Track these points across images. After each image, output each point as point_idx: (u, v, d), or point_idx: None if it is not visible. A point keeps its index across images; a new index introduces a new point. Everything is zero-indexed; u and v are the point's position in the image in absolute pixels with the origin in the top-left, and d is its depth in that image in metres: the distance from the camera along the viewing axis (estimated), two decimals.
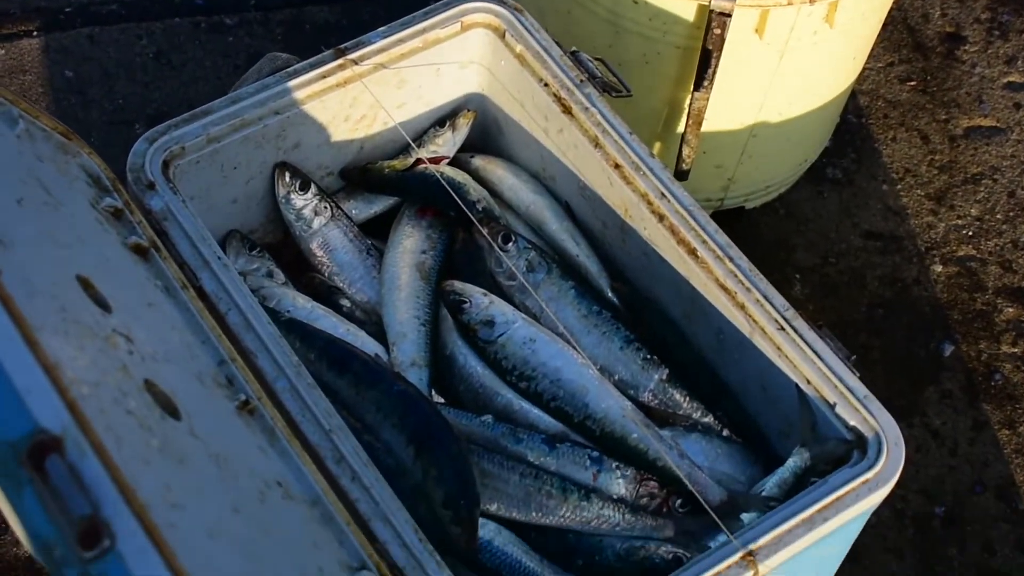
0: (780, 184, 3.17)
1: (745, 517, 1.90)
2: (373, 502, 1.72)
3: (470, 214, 2.17)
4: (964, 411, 2.90)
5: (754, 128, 2.84)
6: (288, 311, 2.16)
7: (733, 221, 3.16)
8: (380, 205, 2.42)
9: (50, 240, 1.59)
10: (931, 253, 3.15)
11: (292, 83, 2.18)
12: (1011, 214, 3.23)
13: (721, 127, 2.82)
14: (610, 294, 2.23)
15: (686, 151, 2.71)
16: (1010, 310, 3.06)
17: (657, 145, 2.88)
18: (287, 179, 2.28)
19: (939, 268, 3.12)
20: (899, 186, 3.26)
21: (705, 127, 2.71)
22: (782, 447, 2.03)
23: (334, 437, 1.77)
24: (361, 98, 2.27)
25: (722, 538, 1.78)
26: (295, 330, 2.07)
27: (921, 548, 2.69)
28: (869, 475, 1.79)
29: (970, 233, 3.19)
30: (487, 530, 1.93)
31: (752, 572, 1.70)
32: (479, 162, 2.41)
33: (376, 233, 2.39)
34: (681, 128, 2.69)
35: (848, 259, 3.14)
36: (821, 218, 3.21)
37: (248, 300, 1.90)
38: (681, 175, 2.85)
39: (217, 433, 1.55)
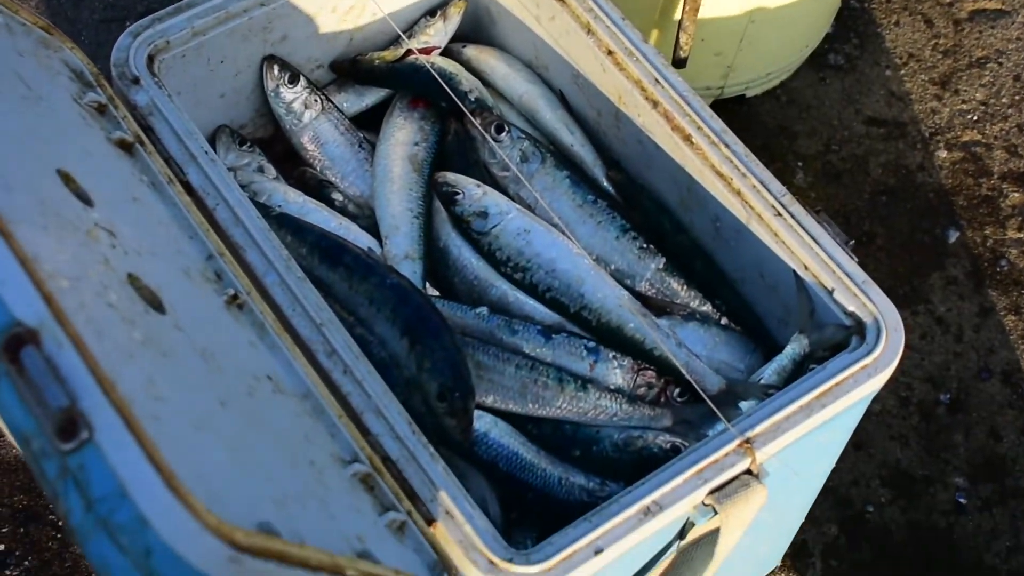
0: (781, 71, 3.13)
1: (743, 405, 1.90)
2: (365, 395, 1.71)
3: (462, 105, 2.14)
4: (969, 297, 2.88)
5: (753, 14, 2.80)
6: (279, 206, 2.14)
7: (734, 109, 3.13)
8: (371, 98, 2.39)
9: (30, 134, 1.57)
10: (935, 139, 3.12)
11: None
12: (1017, 98, 3.19)
13: (719, 13, 2.78)
14: (605, 183, 2.21)
15: (683, 39, 2.67)
16: (1016, 195, 3.03)
17: (654, 33, 2.84)
18: (275, 72, 2.25)
19: (943, 154, 3.09)
20: (902, 71, 3.22)
21: (702, 14, 2.67)
22: (781, 334, 2.02)
23: (325, 331, 1.76)
24: None
25: (720, 426, 1.77)
26: (286, 224, 2.05)
27: (926, 435, 2.69)
28: (868, 360, 1.78)
29: (975, 118, 3.16)
30: (483, 422, 1.93)
31: (749, 460, 1.70)
32: (471, 52, 2.38)
33: (368, 126, 2.37)
34: (678, 15, 2.65)
35: (851, 146, 3.11)
36: (823, 105, 3.17)
37: (236, 194, 1.88)
38: (679, 63, 2.81)
39: (204, 327, 1.54)
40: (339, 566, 1.24)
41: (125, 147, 1.84)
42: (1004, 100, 3.19)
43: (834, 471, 2.52)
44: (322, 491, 1.46)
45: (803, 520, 2.29)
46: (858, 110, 3.17)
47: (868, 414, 2.61)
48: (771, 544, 2.31)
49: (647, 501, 1.66)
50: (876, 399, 2.67)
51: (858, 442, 2.65)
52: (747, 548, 2.10)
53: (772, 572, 2.49)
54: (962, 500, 2.60)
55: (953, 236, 2.96)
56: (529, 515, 1.96)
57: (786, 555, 2.49)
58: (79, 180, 1.54)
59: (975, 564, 2.52)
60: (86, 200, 1.51)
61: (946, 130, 3.13)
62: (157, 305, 1.45)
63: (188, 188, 1.88)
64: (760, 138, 3.09)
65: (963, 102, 3.19)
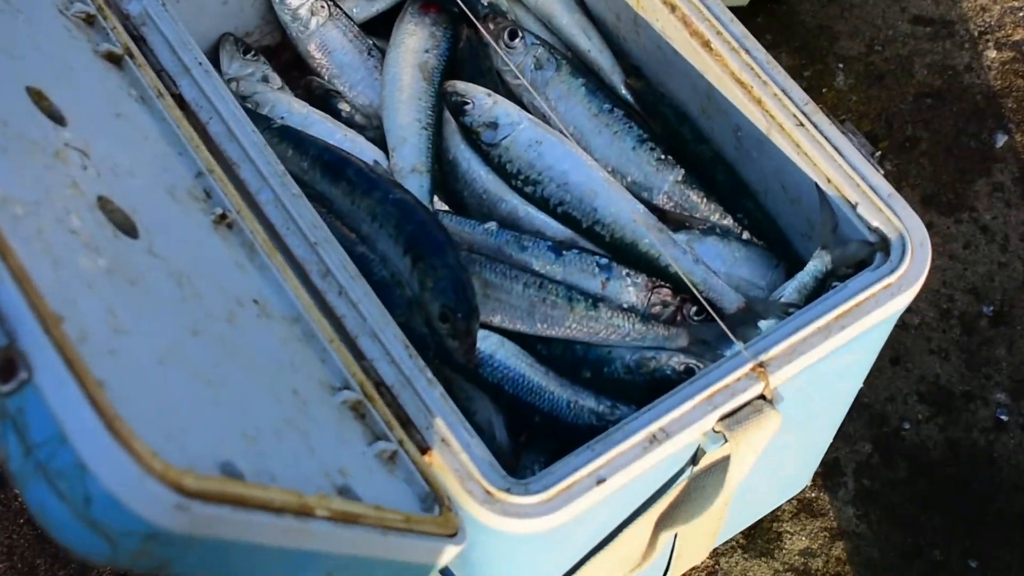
0: None
1: (763, 325, 1.83)
2: (360, 318, 1.66)
3: (467, 11, 2.07)
4: (1017, 204, 2.78)
5: None
6: (282, 117, 2.09)
7: (772, 9, 3.02)
8: (382, 2, 2.33)
9: (1, 51, 1.51)
10: (984, 38, 3.00)
11: None
12: None
13: None
14: (624, 91, 2.13)
15: None
16: None
17: None
18: None
19: (993, 53, 2.97)
20: None
21: None
22: (805, 249, 1.95)
23: (320, 250, 1.71)
24: None
25: (737, 348, 1.71)
26: (288, 137, 2.00)
27: (968, 349, 2.60)
28: (891, 279, 1.70)
29: None
30: (489, 343, 1.87)
31: (763, 384, 1.63)
32: None
33: (379, 32, 2.30)
34: None
35: (895, 46, 2.99)
36: (867, 3, 3.06)
37: (231, 108, 1.82)
38: None
39: (184, 251, 1.49)
40: (307, 506, 1.19)
41: (113, 60, 1.78)
42: None
43: (869, 387, 2.46)
44: (304, 422, 1.41)
45: (831, 440, 2.23)
46: (904, 8, 3.05)
47: (906, 327, 2.53)
48: (798, 464, 2.25)
49: (653, 428, 1.60)
50: (915, 312, 2.60)
51: (895, 357, 2.57)
52: (771, 469, 2.05)
53: (803, 491, 2.43)
54: (1003, 417, 2.52)
55: (1001, 140, 2.85)
56: (539, 438, 1.91)
57: (817, 474, 2.43)
58: (52, 97, 1.48)
59: (1015, 483, 2.45)
60: (58, 119, 1.45)
61: (996, 28, 3.01)
62: (129, 229, 1.40)
63: (180, 102, 1.82)
64: (799, 39, 2.99)
65: None
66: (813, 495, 2.44)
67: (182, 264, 1.44)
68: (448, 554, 1.45)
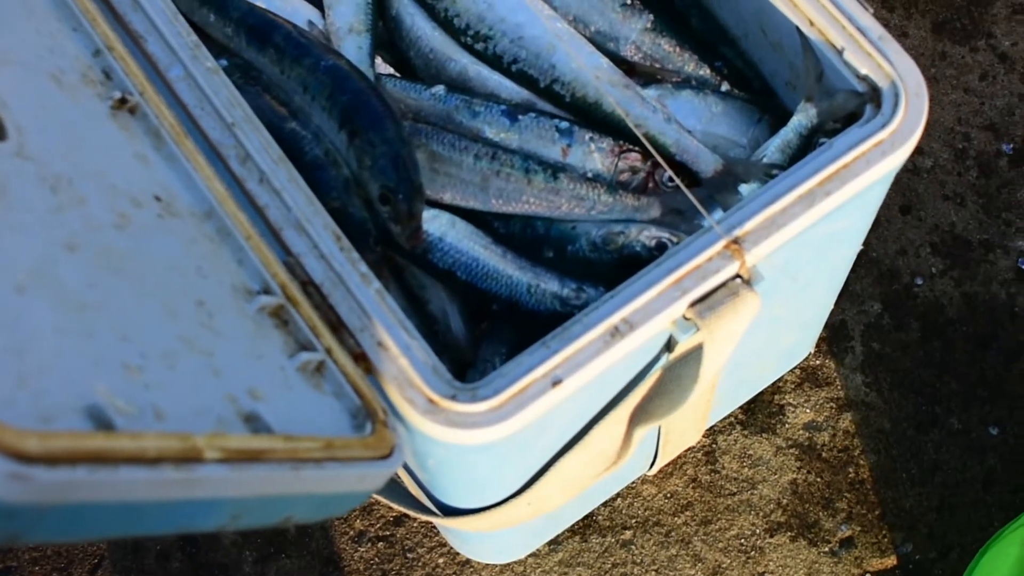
0: None
1: (744, 189, 1.70)
2: (285, 207, 1.53)
3: None
4: None
5: None
6: None
7: None
8: None
9: None
10: None
11: None
12: None
13: None
14: None
15: None
16: None
17: None
18: None
19: None
20: None
21: None
22: (790, 100, 1.81)
23: (238, 131, 1.57)
24: None
25: (716, 216, 1.57)
26: (209, 0, 1.84)
27: (986, 193, 2.46)
28: (883, 134, 1.55)
29: None
30: (438, 223, 1.74)
31: (739, 263, 1.50)
32: None
33: None
34: None
35: None
36: None
37: None
38: None
39: (66, 148, 1.35)
40: (194, 450, 1.08)
41: None
42: None
43: (877, 240, 2.33)
44: (209, 339, 1.29)
45: (832, 306, 2.10)
46: None
47: (917, 172, 2.39)
48: (796, 335, 2.12)
49: (615, 319, 1.47)
50: (927, 154, 2.45)
51: (906, 205, 2.43)
52: (764, 344, 1.94)
53: (807, 359, 2.31)
54: None
55: None
56: (501, 326, 1.79)
57: (821, 339, 2.31)
58: None
59: None
60: None
61: None
62: None
63: None
64: None
65: None
66: (818, 362, 2.32)
67: (61, 165, 1.31)
68: (380, 478, 1.34)
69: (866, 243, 2.38)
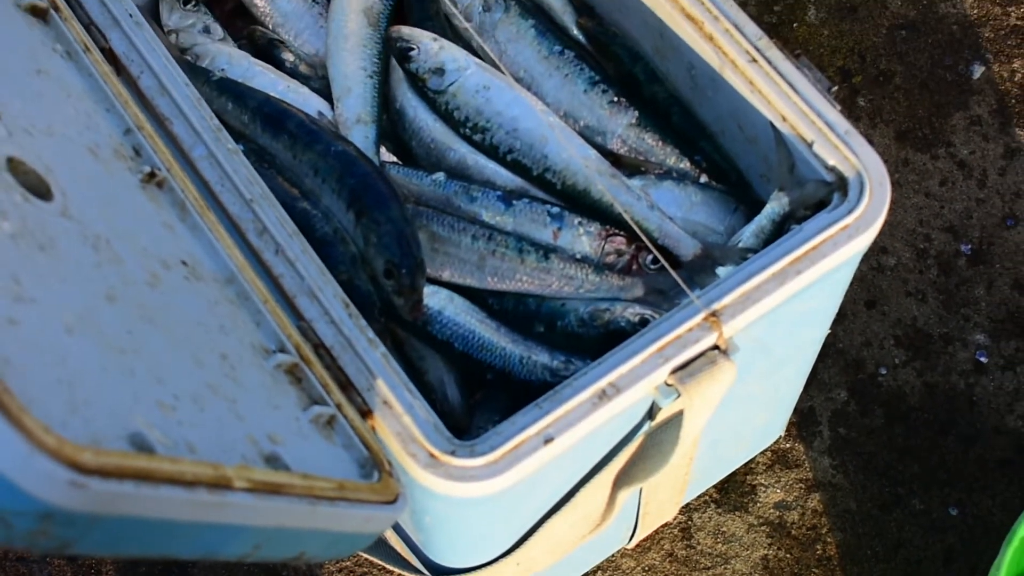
0: None
1: (721, 271, 1.80)
2: (298, 276, 1.63)
3: None
4: (995, 138, 2.74)
5: None
6: (222, 69, 2.04)
7: None
8: None
9: None
10: None
11: None
12: None
13: None
14: (575, 31, 2.09)
15: None
16: None
17: None
18: None
19: None
20: None
21: None
22: (764, 191, 1.91)
23: (256, 207, 1.67)
24: None
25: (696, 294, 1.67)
26: (228, 90, 1.96)
27: (946, 290, 2.57)
28: (849, 219, 1.66)
29: None
30: (438, 299, 1.84)
31: (716, 334, 1.60)
32: None
33: None
34: None
35: None
36: None
37: (163, 61, 1.78)
38: None
39: (104, 213, 1.45)
40: (224, 478, 1.16)
41: (38, 14, 1.74)
42: None
43: (844, 332, 2.43)
44: (232, 388, 1.38)
45: (802, 389, 2.20)
46: None
47: (881, 269, 2.50)
48: (769, 415, 2.22)
49: (602, 384, 1.56)
50: (891, 252, 2.57)
51: (871, 300, 2.54)
52: (740, 421, 2.02)
53: (777, 442, 2.40)
54: (983, 359, 2.49)
55: (978, 72, 2.81)
56: (494, 395, 1.88)
57: (791, 423, 2.41)
58: None
59: (996, 427, 2.42)
60: None
61: None
62: (43, 191, 1.36)
63: (110, 56, 1.79)
64: None
65: None
66: (788, 446, 2.42)
67: (101, 227, 1.40)
68: (385, 522, 1.42)
69: (833, 335, 2.48)
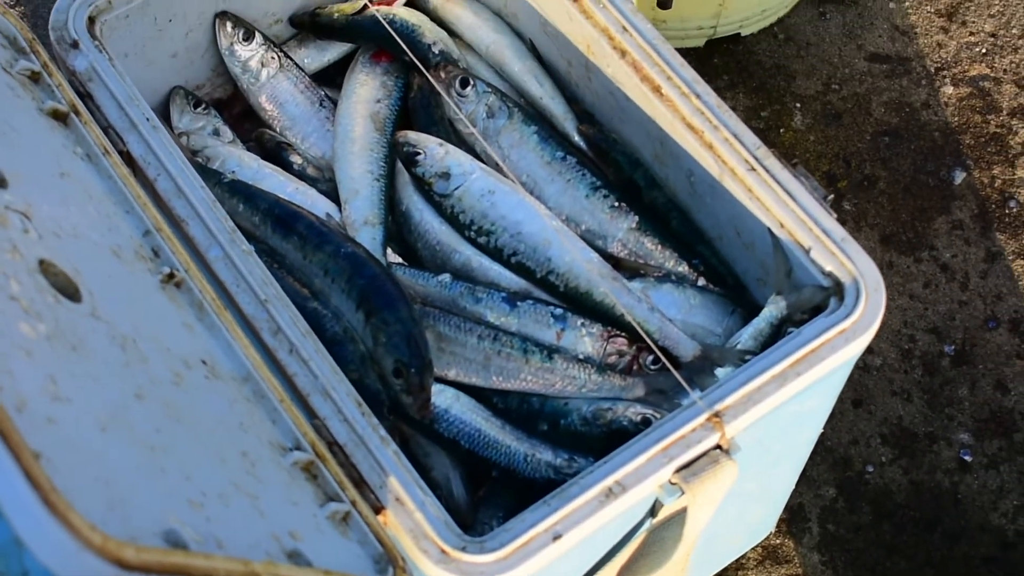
0: (778, 7, 3.04)
1: (719, 372, 1.83)
2: (312, 375, 1.66)
3: (416, 60, 2.06)
4: (976, 242, 2.80)
5: None
6: (232, 171, 2.08)
7: (729, 49, 3.04)
8: (334, 52, 2.32)
9: None
10: (941, 74, 3.02)
11: None
12: None
13: None
14: (577, 138, 2.14)
15: None
16: None
17: None
18: (229, 29, 2.19)
19: (950, 90, 3.00)
20: (907, 3, 3.13)
21: None
22: (761, 295, 1.96)
23: (270, 307, 1.71)
24: None
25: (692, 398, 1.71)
26: (238, 192, 2.00)
27: (930, 390, 2.61)
28: (846, 324, 1.70)
29: (983, 51, 3.06)
30: (444, 397, 1.87)
31: (719, 434, 1.63)
32: (437, 1, 2.29)
33: (331, 83, 2.30)
34: None
35: (852, 84, 3.01)
36: (823, 42, 3.08)
37: (179, 164, 1.82)
38: (664, 3, 2.74)
39: (129, 313, 1.48)
40: (254, 574, 1.18)
41: (58, 117, 1.78)
42: (1015, 31, 3.09)
43: (832, 430, 2.47)
44: (253, 485, 1.40)
45: (794, 486, 2.23)
46: (860, 46, 3.07)
47: (868, 369, 2.54)
48: (761, 511, 2.25)
49: (609, 482, 1.60)
50: (876, 353, 2.61)
51: (857, 399, 2.58)
52: (734, 517, 2.05)
53: (768, 537, 2.43)
54: (967, 457, 2.53)
55: (959, 177, 2.87)
56: (497, 492, 1.90)
57: (782, 519, 2.43)
58: None
59: (981, 524, 2.45)
60: None
61: (952, 64, 3.04)
62: (72, 292, 1.39)
63: (128, 159, 1.83)
64: (756, 79, 3.01)
65: (971, 34, 3.09)
66: (778, 541, 2.44)
67: (127, 327, 1.43)
68: None
69: (822, 433, 2.52)
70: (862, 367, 2.61)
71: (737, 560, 2.41)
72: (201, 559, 1.12)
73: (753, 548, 2.43)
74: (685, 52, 2.94)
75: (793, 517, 2.46)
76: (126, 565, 1.02)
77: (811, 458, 2.45)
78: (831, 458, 2.52)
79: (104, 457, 1.19)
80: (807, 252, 1.77)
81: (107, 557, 1.01)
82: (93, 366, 1.31)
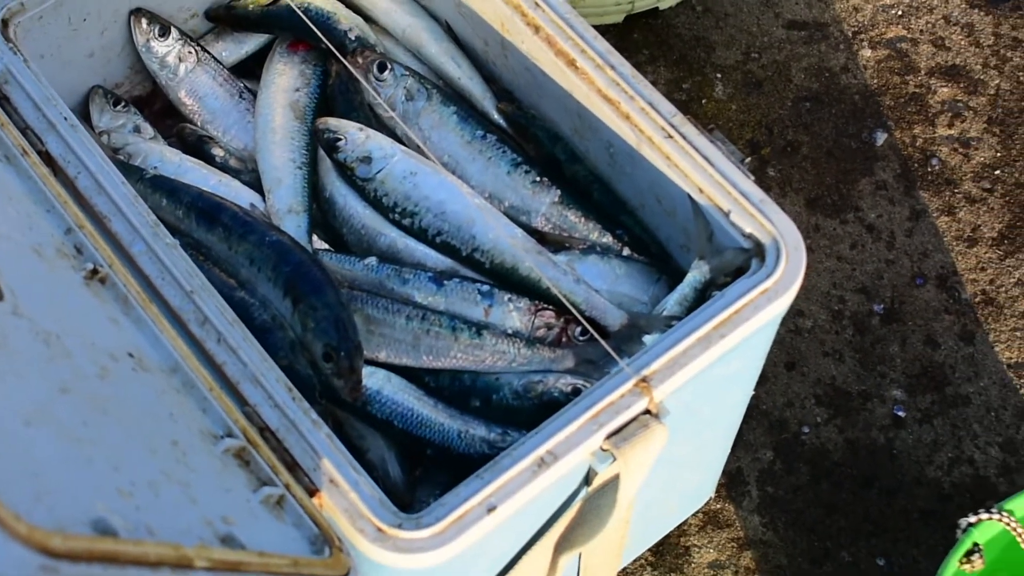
0: None
1: (647, 339, 1.85)
2: (241, 363, 1.67)
3: (330, 46, 2.07)
4: (900, 201, 2.83)
5: None
6: (155, 167, 2.08)
7: (648, 23, 3.06)
8: (251, 44, 2.32)
9: None
10: (859, 38, 3.06)
11: None
12: None
13: None
14: (496, 116, 2.15)
15: None
16: (945, 90, 2.98)
17: None
18: (144, 26, 2.18)
19: (868, 53, 3.03)
20: None
21: None
22: (685, 261, 1.98)
23: (196, 298, 1.71)
24: None
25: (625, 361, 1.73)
26: (162, 187, 2.00)
27: (861, 349, 2.65)
28: (768, 284, 1.73)
29: (899, 12, 3.09)
30: (375, 379, 1.88)
31: (647, 399, 1.65)
32: None
33: (250, 74, 2.30)
34: None
35: (771, 52, 3.04)
36: (741, 12, 3.10)
37: (99, 161, 1.82)
38: None
39: (52, 310, 1.48)
40: (186, 558, 1.19)
41: None
42: None
43: (767, 394, 2.49)
44: (184, 473, 1.41)
45: (729, 450, 2.26)
46: (778, 14, 3.10)
47: (799, 331, 2.58)
48: (699, 477, 2.27)
49: (540, 452, 1.61)
50: (807, 315, 2.64)
51: (790, 362, 2.61)
52: (671, 483, 2.07)
53: (708, 503, 2.45)
54: (901, 413, 2.57)
55: (881, 138, 2.91)
56: (434, 471, 1.92)
57: (721, 484, 2.46)
58: None
59: (917, 478, 2.49)
60: None
61: (870, 27, 3.07)
62: None
63: (47, 158, 1.82)
64: (677, 51, 3.03)
65: None
66: (718, 506, 2.47)
67: (50, 323, 1.43)
68: None
69: (756, 397, 2.55)
70: (793, 330, 2.64)
71: (679, 527, 2.44)
72: (131, 545, 1.13)
73: (694, 514, 2.45)
74: (605, 28, 2.96)
75: (732, 482, 2.49)
76: (53, 553, 1.03)
77: (747, 422, 2.48)
78: (767, 421, 2.55)
79: (29, 451, 1.19)
80: (727, 215, 1.79)
81: (34, 546, 1.01)
82: (15, 363, 1.32)
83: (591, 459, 1.65)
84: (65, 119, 1.86)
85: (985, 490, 2.48)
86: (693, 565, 2.43)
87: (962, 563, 2.03)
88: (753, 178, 1.82)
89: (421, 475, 1.92)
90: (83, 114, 2.20)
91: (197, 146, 2.19)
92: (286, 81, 2.19)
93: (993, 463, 2.51)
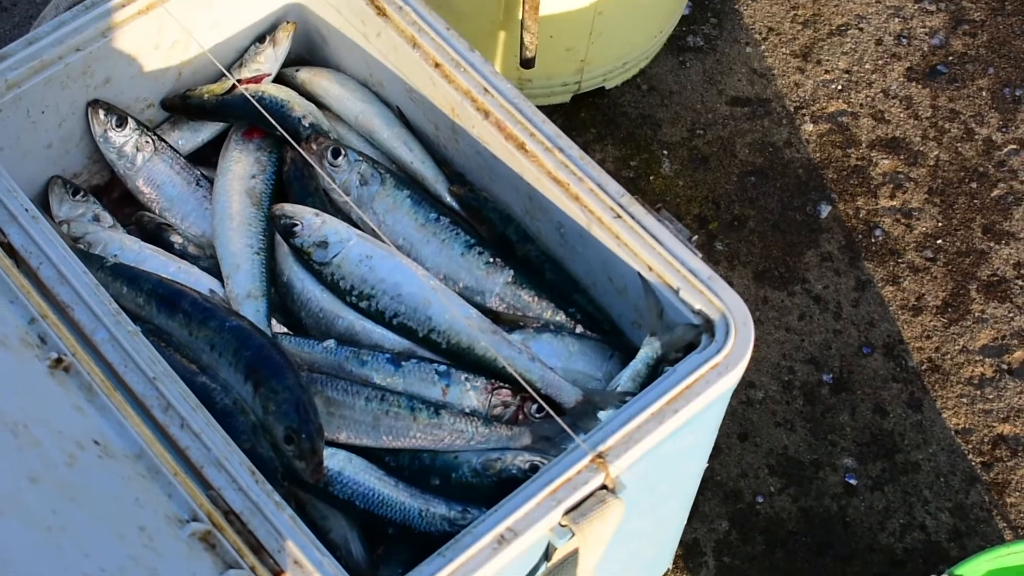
0: (638, 59, 3.14)
1: (602, 415, 1.89)
2: (204, 448, 1.69)
3: (284, 134, 2.12)
4: (846, 272, 2.90)
5: (599, 5, 2.80)
6: (115, 255, 2.11)
7: (595, 103, 3.13)
8: (207, 132, 2.37)
9: None
10: (800, 112, 3.14)
11: (90, 16, 2.13)
12: (880, 62, 3.22)
13: (564, 8, 2.78)
14: (449, 199, 2.20)
15: (527, 38, 2.67)
16: (886, 162, 3.06)
17: (501, 35, 2.84)
18: (102, 117, 2.22)
19: (810, 127, 3.11)
20: (763, 47, 3.24)
21: (547, 10, 2.68)
22: (637, 337, 2.02)
23: (159, 384, 1.74)
24: (169, 23, 2.20)
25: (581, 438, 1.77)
26: (122, 275, 2.03)
27: (812, 418, 2.70)
28: (718, 359, 1.78)
29: (839, 87, 3.18)
30: (336, 460, 1.91)
31: (603, 474, 1.69)
32: (304, 75, 2.36)
33: (207, 162, 2.34)
34: (520, 15, 2.65)
35: (716, 129, 3.12)
36: (685, 89, 3.18)
37: (61, 251, 1.85)
38: (527, 63, 2.81)
39: (18, 399, 1.52)
40: None
41: None
42: (867, 66, 3.21)
43: (721, 465, 2.54)
44: (152, 558, 1.44)
45: (685, 521, 2.30)
46: (721, 91, 3.18)
47: (751, 403, 2.62)
48: (656, 547, 2.31)
49: (500, 529, 1.65)
50: (758, 387, 2.69)
51: (743, 433, 2.66)
52: (629, 555, 2.10)
53: (664, 574, 2.49)
54: (852, 481, 2.62)
55: (825, 211, 2.98)
56: (396, 549, 1.94)
57: (678, 555, 2.50)
58: None
59: (870, 544, 2.54)
60: None
61: (811, 102, 3.15)
62: None
63: (9, 250, 1.85)
64: (623, 130, 3.10)
65: (826, 72, 3.21)
66: None
67: (17, 413, 1.47)
68: None
69: (711, 469, 2.59)
70: (745, 401, 2.69)
71: None
72: None
73: None
74: (552, 108, 3.03)
75: (689, 552, 2.53)
76: None
77: (702, 493, 2.53)
78: (722, 492, 2.59)
79: (1, 540, 1.22)
80: (676, 292, 1.84)
81: None
82: None
83: (550, 535, 1.69)
84: (26, 211, 1.89)
85: (937, 555, 2.53)
86: None
87: None
88: (701, 255, 1.87)
89: (383, 554, 1.95)
90: (43, 204, 2.23)
91: (156, 233, 2.22)
92: (242, 168, 2.23)
93: (944, 528, 2.56)
